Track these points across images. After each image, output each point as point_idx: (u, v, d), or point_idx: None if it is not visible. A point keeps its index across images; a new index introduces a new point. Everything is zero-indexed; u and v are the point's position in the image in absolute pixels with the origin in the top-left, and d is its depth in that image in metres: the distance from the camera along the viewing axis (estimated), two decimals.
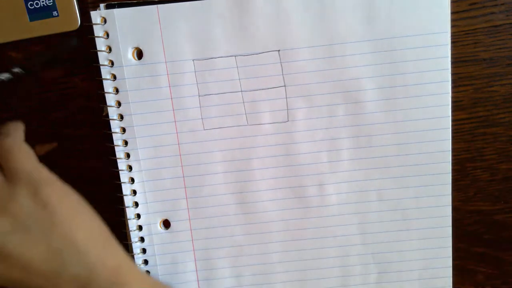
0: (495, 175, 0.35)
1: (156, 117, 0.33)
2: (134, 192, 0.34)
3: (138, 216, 0.35)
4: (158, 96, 0.33)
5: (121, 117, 0.33)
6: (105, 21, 0.32)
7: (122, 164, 0.34)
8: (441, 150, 0.33)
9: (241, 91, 0.33)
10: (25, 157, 0.27)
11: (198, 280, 0.36)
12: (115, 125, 0.34)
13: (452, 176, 0.34)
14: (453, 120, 0.33)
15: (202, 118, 0.33)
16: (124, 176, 0.34)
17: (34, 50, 0.34)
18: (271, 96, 0.33)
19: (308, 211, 0.34)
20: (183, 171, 0.34)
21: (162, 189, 0.34)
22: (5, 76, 0.30)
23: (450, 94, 0.33)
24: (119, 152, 0.34)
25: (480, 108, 0.34)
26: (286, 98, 0.33)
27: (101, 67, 0.33)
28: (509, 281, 0.33)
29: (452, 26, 0.32)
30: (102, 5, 0.32)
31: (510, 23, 0.33)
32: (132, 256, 0.35)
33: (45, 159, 0.35)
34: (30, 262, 0.25)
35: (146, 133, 0.34)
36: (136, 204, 0.35)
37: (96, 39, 0.32)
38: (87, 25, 0.33)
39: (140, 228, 0.35)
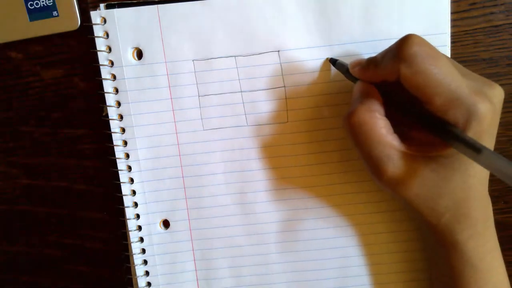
0: (495, 175, 0.35)
1: (155, 117, 0.33)
2: (134, 192, 0.34)
3: (138, 216, 0.35)
4: (158, 96, 0.33)
5: (121, 117, 0.33)
6: (105, 21, 0.32)
7: (121, 164, 0.34)
8: None
9: (241, 91, 0.33)
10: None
11: (197, 280, 0.36)
12: (114, 125, 0.34)
13: None
14: None
15: (201, 119, 0.33)
16: (123, 176, 0.34)
17: (34, 50, 0.34)
18: (271, 97, 0.33)
19: (308, 212, 0.34)
20: (183, 171, 0.34)
21: (161, 189, 0.34)
22: None
23: None
24: (119, 152, 0.34)
25: None
26: (286, 99, 0.33)
27: (101, 67, 0.33)
28: (509, 281, 0.33)
29: (452, 26, 0.32)
30: (102, 5, 0.32)
31: (510, 23, 0.33)
32: (132, 256, 0.35)
33: (44, 159, 0.35)
34: None
35: (145, 133, 0.34)
36: (136, 204, 0.35)
37: (96, 39, 0.32)
38: (87, 25, 0.33)
39: (139, 228, 0.35)
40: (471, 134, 0.23)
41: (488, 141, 0.25)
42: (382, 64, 0.25)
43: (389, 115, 0.26)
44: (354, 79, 0.29)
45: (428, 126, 0.24)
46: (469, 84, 0.24)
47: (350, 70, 0.28)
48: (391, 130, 0.26)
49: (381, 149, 0.25)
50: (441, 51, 0.25)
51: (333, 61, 0.32)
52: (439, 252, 0.29)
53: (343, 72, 0.31)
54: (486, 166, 0.21)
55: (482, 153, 0.21)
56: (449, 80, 0.23)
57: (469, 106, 0.23)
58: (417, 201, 0.26)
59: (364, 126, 0.25)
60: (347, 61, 0.30)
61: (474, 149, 0.21)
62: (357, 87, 0.28)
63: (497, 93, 0.25)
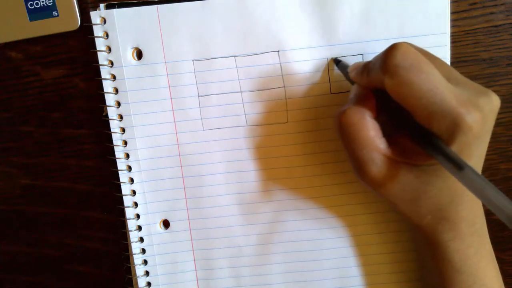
0: (495, 175, 0.35)
1: (155, 117, 0.33)
2: (134, 192, 0.34)
3: (138, 216, 0.35)
4: (158, 96, 0.33)
5: (121, 117, 0.33)
6: (105, 21, 0.32)
7: (121, 164, 0.34)
8: None
9: (241, 91, 0.33)
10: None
11: (197, 280, 0.36)
12: (114, 125, 0.34)
13: None
14: None
15: (201, 119, 0.33)
16: (123, 176, 0.34)
17: (34, 50, 0.34)
18: (271, 97, 0.33)
19: (308, 212, 0.34)
20: (183, 171, 0.34)
21: (161, 189, 0.34)
22: None
23: None
24: (119, 152, 0.34)
25: None
26: (286, 99, 0.33)
27: (100, 67, 0.33)
28: (508, 281, 0.33)
29: (452, 26, 0.32)
30: (102, 5, 0.32)
31: (510, 23, 0.33)
32: (131, 256, 0.35)
33: (45, 159, 0.35)
34: None
35: (145, 133, 0.34)
36: (136, 204, 0.35)
37: (96, 39, 0.32)
38: (87, 25, 0.33)
39: (139, 228, 0.35)
40: (457, 145, 0.23)
41: (478, 150, 0.24)
42: (372, 73, 0.25)
43: (381, 118, 0.26)
44: (352, 81, 0.29)
45: (414, 137, 0.24)
46: (458, 94, 0.23)
47: (349, 74, 0.28)
48: (379, 133, 0.25)
49: (366, 151, 0.25)
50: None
51: (336, 62, 0.32)
52: (426, 252, 0.29)
53: (344, 74, 0.31)
54: (466, 184, 0.20)
55: (464, 171, 0.20)
56: (433, 92, 0.23)
57: (454, 118, 0.22)
58: (399, 203, 0.26)
59: (352, 127, 0.25)
60: (350, 60, 0.30)
61: (456, 166, 0.21)
62: (354, 88, 0.28)
63: (490, 102, 0.24)
